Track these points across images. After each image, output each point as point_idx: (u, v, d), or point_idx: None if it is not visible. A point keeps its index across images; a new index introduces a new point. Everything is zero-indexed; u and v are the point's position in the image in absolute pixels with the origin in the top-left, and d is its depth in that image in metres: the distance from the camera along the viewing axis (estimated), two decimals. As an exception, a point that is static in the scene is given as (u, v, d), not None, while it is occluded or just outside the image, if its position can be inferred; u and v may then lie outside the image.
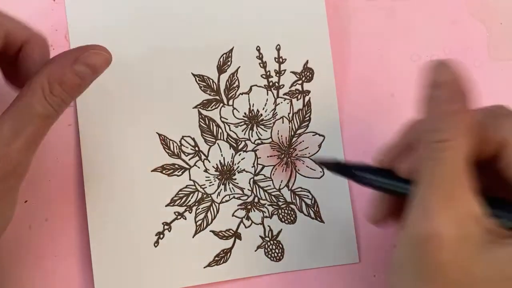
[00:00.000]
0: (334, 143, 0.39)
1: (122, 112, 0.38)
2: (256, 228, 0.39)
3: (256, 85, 0.39)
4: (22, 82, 0.31)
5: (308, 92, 0.40)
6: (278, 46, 0.40)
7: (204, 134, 0.39)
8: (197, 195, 0.38)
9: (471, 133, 0.27)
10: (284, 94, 0.39)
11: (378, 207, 0.32)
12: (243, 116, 0.39)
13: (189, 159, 0.38)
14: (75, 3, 0.38)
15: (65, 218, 0.37)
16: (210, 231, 0.38)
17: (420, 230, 0.26)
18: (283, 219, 0.39)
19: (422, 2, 0.42)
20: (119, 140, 0.38)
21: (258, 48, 0.39)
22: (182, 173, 0.38)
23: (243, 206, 0.39)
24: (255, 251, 0.38)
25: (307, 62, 0.40)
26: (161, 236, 0.38)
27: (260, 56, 0.39)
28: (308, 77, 0.40)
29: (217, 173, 0.39)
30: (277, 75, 0.39)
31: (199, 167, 0.39)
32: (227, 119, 0.39)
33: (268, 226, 0.39)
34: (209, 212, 0.38)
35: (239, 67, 0.39)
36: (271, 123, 0.39)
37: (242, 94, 0.39)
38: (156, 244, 0.37)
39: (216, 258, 0.38)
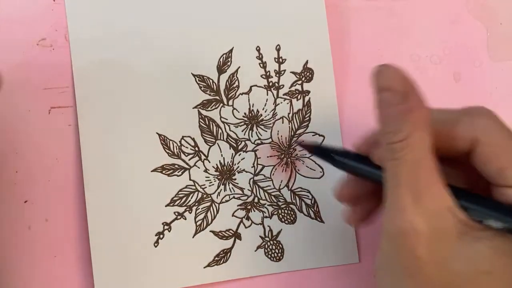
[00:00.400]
0: (334, 143, 0.39)
1: (122, 112, 0.38)
2: (256, 228, 0.39)
3: (256, 85, 0.39)
4: None
5: (308, 92, 0.40)
6: (278, 46, 0.39)
7: (204, 134, 0.39)
8: (197, 195, 0.38)
9: (430, 127, 0.27)
10: (284, 94, 0.39)
11: (349, 187, 0.32)
12: (243, 116, 0.39)
13: (189, 159, 0.38)
14: (75, 3, 0.38)
15: (65, 218, 0.37)
16: (210, 231, 0.38)
17: (395, 228, 0.27)
18: (283, 219, 0.39)
19: (422, 2, 0.42)
20: (119, 140, 0.38)
21: (258, 48, 0.39)
22: (182, 173, 0.38)
23: (243, 206, 0.39)
24: (255, 251, 0.38)
25: (307, 62, 0.40)
26: (161, 236, 0.38)
27: (260, 56, 0.39)
28: (308, 77, 0.40)
29: (217, 173, 0.39)
30: (277, 75, 0.39)
31: (199, 167, 0.39)
32: (227, 119, 0.39)
33: (268, 226, 0.39)
34: (209, 212, 0.38)
35: (239, 67, 0.39)
36: (271, 123, 0.39)
37: (242, 94, 0.39)
38: (156, 244, 0.37)
39: (216, 258, 0.38)
